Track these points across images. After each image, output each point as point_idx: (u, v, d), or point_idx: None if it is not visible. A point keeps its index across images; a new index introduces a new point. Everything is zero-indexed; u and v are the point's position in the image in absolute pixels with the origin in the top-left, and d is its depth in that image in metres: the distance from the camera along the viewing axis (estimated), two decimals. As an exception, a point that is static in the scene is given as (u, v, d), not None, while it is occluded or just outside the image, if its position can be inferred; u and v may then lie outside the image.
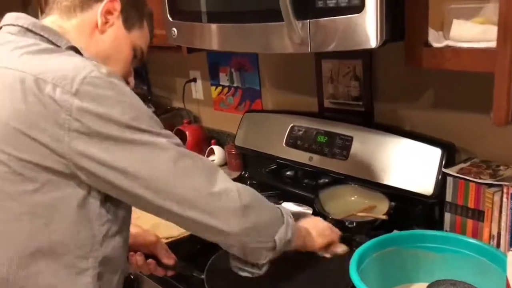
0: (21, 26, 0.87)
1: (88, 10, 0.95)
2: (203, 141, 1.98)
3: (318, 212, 1.35)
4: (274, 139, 1.60)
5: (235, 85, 1.93)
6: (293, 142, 1.55)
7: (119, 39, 0.99)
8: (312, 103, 1.63)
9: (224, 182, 0.87)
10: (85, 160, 0.77)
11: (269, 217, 0.96)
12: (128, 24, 1.00)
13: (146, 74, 2.40)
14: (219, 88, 2.00)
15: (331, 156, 1.43)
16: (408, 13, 0.96)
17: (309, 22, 1.02)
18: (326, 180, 1.48)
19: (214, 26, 1.24)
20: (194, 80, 2.10)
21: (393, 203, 1.30)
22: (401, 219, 1.29)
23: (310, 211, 1.39)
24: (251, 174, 1.76)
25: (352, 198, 1.41)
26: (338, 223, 1.28)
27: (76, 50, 0.87)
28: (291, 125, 1.57)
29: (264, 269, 1.01)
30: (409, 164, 1.27)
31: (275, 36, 1.09)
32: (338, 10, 0.97)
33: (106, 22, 0.96)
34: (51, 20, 0.94)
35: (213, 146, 1.93)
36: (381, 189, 1.33)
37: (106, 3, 0.95)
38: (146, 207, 0.84)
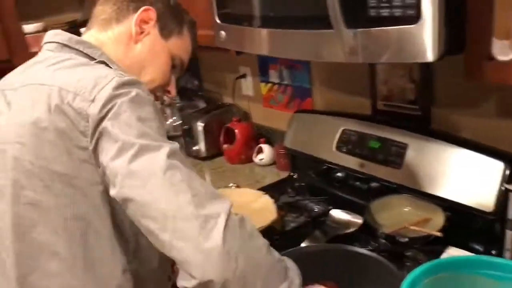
0: (58, 42, 0.91)
1: (124, 21, 0.96)
2: (252, 139, 1.95)
3: (368, 223, 1.29)
4: (324, 142, 1.55)
5: (285, 82, 1.88)
6: (344, 146, 1.49)
7: (155, 48, 0.98)
8: (365, 105, 1.56)
9: (216, 210, 0.73)
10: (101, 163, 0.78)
11: (265, 269, 0.76)
12: (165, 32, 0.99)
13: (198, 69, 2.39)
14: (269, 85, 1.96)
15: (384, 164, 1.36)
16: (470, 23, 0.88)
17: (360, 31, 0.96)
18: (378, 187, 1.42)
19: (264, 31, 1.20)
20: (244, 76, 2.07)
21: (448, 215, 1.22)
22: (457, 234, 1.21)
23: (360, 221, 1.35)
24: (300, 176, 1.73)
25: (405, 209, 1.34)
26: (389, 238, 1.22)
27: (107, 63, 0.90)
28: (342, 128, 1.51)
29: None
30: (468, 176, 1.19)
31: (325, 44, 1.04)
32: (392, 20, 0.90)
33: (142, 32, 0.97)
34: (90, 33, 0.98)
35: (262, 145, 1.90)
36: (436, 202, 1.26)
37: (140, 12, 0.96)
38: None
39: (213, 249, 0.69)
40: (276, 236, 1.38)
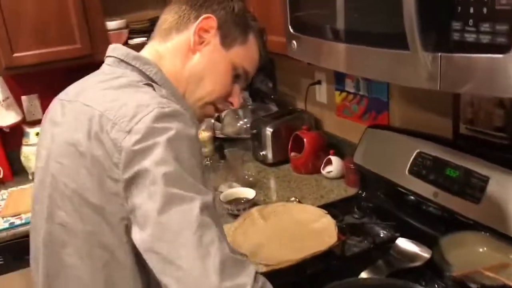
0: (115, 57, 0.90)
1: (184, 31, 0.92)
2: (321, 150, 1.87)
3: (436, 261, 1.17)
4: (397, 163, 1.44)
5: (361, 93, 1.78)
6: (417, 171, 1.37)
7: (215, 59, 0.93)
8: (446, 126, 1.42)
9: (242, 280, 0.70)
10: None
11: None
12: (227, 41, 0.94)
13: (273, 71, 2.34)
14: (344, 93, 1.86)
15: (461, 196, 1.23)
16: None
17: (440, 55, 0.85)
18: (453, 219, 1.29)
19: (338, 46, 1.11)
20: (319, 82, 1.99)
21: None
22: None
23: (428, 256, 1.23)
24: (368, 195, 1.62)
25: (481, 250, 1.20)
26: (457, 281, 1.10)
27: (158, 84, 0.87)
28: (418, 150, 1.38)
29: None
30: (560, 223, 1.04)
31: (402, 66, 0.94)
32: (479, 47, 0.78)
33: (202, 42, 0.92)
34: (152, 45, 0.95)
35: (331, 157, 1.81)
36: (519, 246, 1.11)
37: (200, 21, 0.91)
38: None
39: None
40: (335, 261, 1.30)
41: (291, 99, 2.24)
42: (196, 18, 0.92)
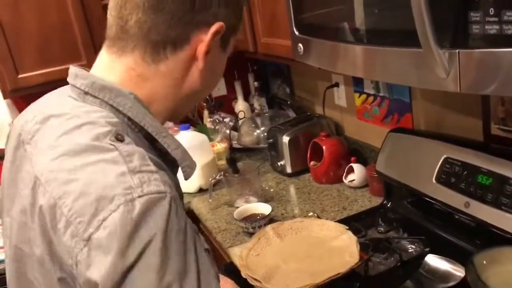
0: (79, 89, 0.70)
1: (184, 46, 0.71)
2: (342, 157, 1.74)
3: (470, 282, 1.04)
4: (422, 171, 1.30)
5: (381, 94, 1.65)
6: (446, 179, 1.23)
7: (216, 65, 0.77)
8: (475, 127, 1.28)
9: None
10: None
11: None
12: (224, 40, 0.75)
13: (289, 75, 2.24)
14: (363, 96, 1.74)
15: (496, 206, 1.09)
16: None
17: (458, 52, 0.73)
18: (489, 232, 1.15)
19: (348, 47, 1.01)
20: (337, 85, 1.87)
21: None
22: None
23: (462, 275, 1.10)
24: (394, 206, 1.49)
25: (522, 268, 1.06)
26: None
27: (136, 116, 0.69)
28: (445, 156, 1.25)
29: None
30: None
31: (419, 67, 0.82)
32: (503, 40, 0.66)
33: (207, 51, 0.72)
34: (130, 63, 0.71)
35: (352, 164, 1.68)
36: None
37: (213, 31, 0.70)
38: None
39: None
40: (358, 283, 1.18)
41: (309, 104, 2.13)
42: (199, 23, 0.70)
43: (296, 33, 1.21)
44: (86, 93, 0.70)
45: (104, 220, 0.57)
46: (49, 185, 0.62)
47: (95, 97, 0.69)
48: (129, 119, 0.69)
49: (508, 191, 1.07)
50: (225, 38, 0.75)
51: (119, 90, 0.69)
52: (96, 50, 1.86)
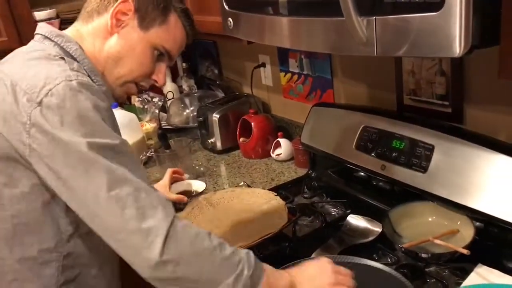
0: (41, 34, 0.96)
1: (103, 14, 0.97)
2: (270, 133, 1.83)
3: (387, 234, 1.16)
4: (343, 139, 1.42)
5: (305, 72, 1.75)
6: (364, 145, 1.35)
7: (132, 40, 0.98)
8: (390, 99, 1.41)
9: (159, 221, 0.81)
10: (38, 166, 0.83)
11: (207, 269, 0.83)
12: (145, 23, 0.98)
13: (217, 56, 2.28)
14: (289, 74, 1.83)
15: (408, 167, 1.22)
16: (505, 11, 0.72)
17: (375, 19, 0.82)
18: (402, 191, 1.28)
19: (274, 19, 1.08)
20: (263, 65, 1.94)
21: (478, 227, 1.08)
22: (488, 251, 1.07)
23: (379, 230, 1.22)
24: (318, 174, 1.60)
25: (430, 219, 1.20)
26: (409, 252, 1.09)
27: (78, 57, 0.94)
28: (363, 125, 1.37)
29: None
30: (504, 186, 1.03)
31: (339, 35, 0.91)
32: (412, 7, 0.76)
33: (120, 24, 0.97)
34: (75, 26, 1.01)
35: (279, 139, 1.77)
36: (466, 212, 1.11)
37: (117, 4, 0.96)
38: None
39: (152, 259, 0.79)
40: (287, 243, 1.27)
41: (237, 84, 2.19)
42: (116, 1, 0.96)
43: (226, 7, 1.26)
44: (46, 37, 0.95)
45: (51, 89, 0.81)
46: (12, 75, 0.86)
47: (51, 40, 0.94)
48: (73, 58, 0.93)
49: (418, 153, 1.20)
50: (143, 18, 0.97)
51: (69, 38, 0.96)
52: (17, 26, 1.80)
